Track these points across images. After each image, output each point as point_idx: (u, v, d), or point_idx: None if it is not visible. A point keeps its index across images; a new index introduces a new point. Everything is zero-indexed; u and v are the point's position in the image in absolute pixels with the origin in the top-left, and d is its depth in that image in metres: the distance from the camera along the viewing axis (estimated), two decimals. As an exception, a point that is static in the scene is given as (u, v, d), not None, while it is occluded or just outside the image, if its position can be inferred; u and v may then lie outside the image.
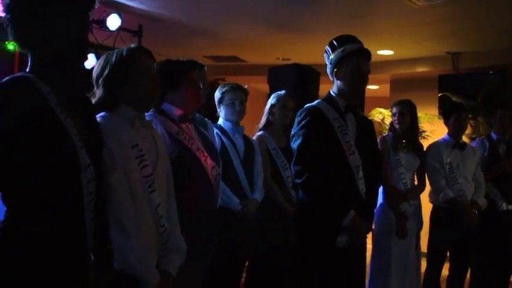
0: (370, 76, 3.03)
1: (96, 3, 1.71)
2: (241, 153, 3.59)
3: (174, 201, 2.25)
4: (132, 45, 2.21)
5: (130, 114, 2.11)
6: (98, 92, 2.11)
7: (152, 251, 2.04)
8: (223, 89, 3.64)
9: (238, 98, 3.60)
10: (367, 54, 2.95)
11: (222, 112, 3.66)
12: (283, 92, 4.03)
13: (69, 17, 1.62)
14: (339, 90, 3.01)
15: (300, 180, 2.89)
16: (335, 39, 3.00)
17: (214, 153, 2.77)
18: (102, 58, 2.16)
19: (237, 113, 3.60)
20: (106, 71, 2.11)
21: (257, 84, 7.95)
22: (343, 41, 2.97)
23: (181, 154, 2.50)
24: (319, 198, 2.89)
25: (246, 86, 3.70)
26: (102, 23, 5.78)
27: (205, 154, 2.62)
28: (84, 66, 1.81)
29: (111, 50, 2.21)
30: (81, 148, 1.60)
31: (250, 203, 3.46)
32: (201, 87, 2.74)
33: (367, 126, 3.14)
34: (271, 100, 4.00)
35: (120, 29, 5.97)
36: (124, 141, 2.03)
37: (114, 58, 2.12)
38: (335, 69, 2.98)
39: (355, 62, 2.92)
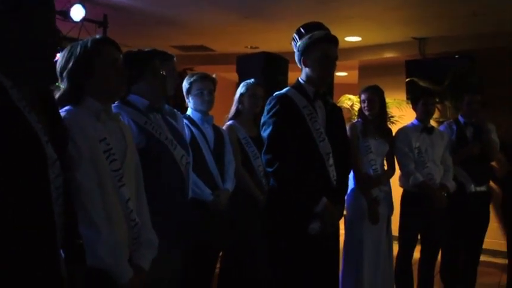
0: (338, 63, 3.03)
1: None
2: (211, 143, 3.57)
3: (144, 194, 2.23)
4: (97, 36, 2.17)
5: (95, 107, 2.07)
6: (62, 85, 2.07)
7: (124, 246, 2.01)
8: (191, 79, 3.60)
9: (207, 88, 3.57)
10: (334, 40, 2.95)
11: (190, 102, 3.63)
12: (252, 80, 4.01)
13: (30, 11, 1.57)
14: (308, 77, 3.01)
15: (271, 169, 2.88)
16: (302, 26, 2.99)
17: (183, 142, 2.75)
18: (66, 50, 2.11)
19: (206, 102, 3.57)
20: (70, 64, 2.06)
21: (226, 73, 7.92)
22: (310, 28, 2.96)
23: (150, 144, 2.48)
24: (290, 186, 2.89)
25: (214, 75, 3.67)
26: (66, 14, 5.67)
27: (174, 143, 2.60)
28: (54, 59, 1.75)
29: (75, 42, 2.15)
30: (47, 143, 1.56)
31: (221, 193, 3.45)
32: (165, 75, 2.71)
33: (337, 113, 3.15)
34: (241, 89, 3.97)
35: (84, 19, 5.89)
36: (91, 135, 1.99)
37: (78, 50, 2.08)
38: (303, 57, 2.97)
39: (322, 49, 2.92)
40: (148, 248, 2.15)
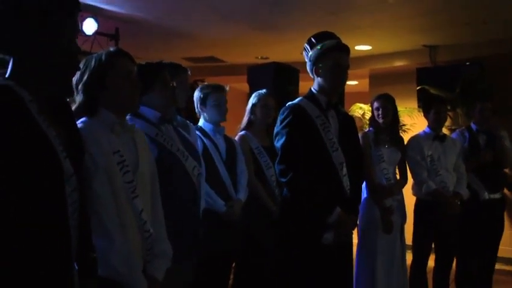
0: (349, 72, 3.03)
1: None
2: (223, 154, 3.58)
3: (159, 205, 2.23)
4: (111, 49, 2.18)
5: (110, 119, 2.08)
6: (78, 98, 2.08)
7: (137, 257, 2.01)
8: (207, 90, 3.61)
9: (223, 99, 3.59)
10: (345, 49, 2.96)
11: (205, 113, 3.63)
12: (263, 91, 4.04)
13: (59, 21, 1.57)
14: (320, 87, 3.02)
15: (285, 179, 2.89)
16: (313, 36, 3.01)
17: (195, 154, 2.76)
18: (81, 63, 2.12)
19: (223, 113, 3.60)
20: (85, 77, 2.08)
21: (237, 84, 7.94)
22: (321, 37, 2.97)
23: (161, 155, 2.48)
24: (304, 196, 2.89)
25: (227, 86, 3.68)
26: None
27: (186, 154, 2.61)
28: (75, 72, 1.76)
29: (88, 55, 2.18)
30: (65, 158, 1.55)
31: (235, 204, 3.45)
32: (175, 86, 2.72)
33: (349, 122, 3.15)
34: (252, 99, 4.00)
35: (96, 33, 5.93)
36: (105, 147, 2.00)
37: (93, 63, 2.10)
38: (315, 66, 2.99)
39: (334, 58, 2.93)
40: (163, 258, 2.16)
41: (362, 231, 4.09)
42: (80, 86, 2.09)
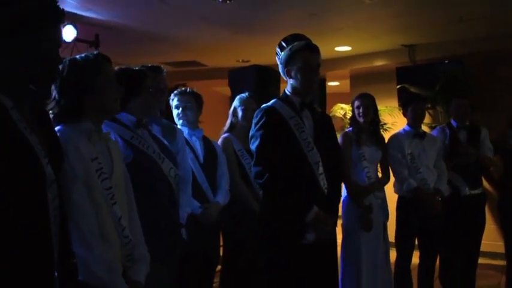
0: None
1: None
2: (200, 157, 3.60)
3: (135, 210, 2.23)
4: (93, 53, 2.16)
5: (88, 127, 2.07)
6: (58, 103, 2.06)
7: (117, 263, 2.01)
8: (174, 94, 3.67)
9: (184, 103, 3.62)
10: (314, 49, 3.01)
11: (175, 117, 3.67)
12: (245, 94, 4.09)
13: (40, 31, 1.57)
14: (292, 88, 3.05)
15: (261, 181, 2.90)
16: (283, 39, 3.06)
17: (171, 155, 2.77)
18: (61, 67, 2.08)
19: (183, 119, 3.62)
20: (65, 81, 2.06)
21: (219, 88, 7.95)
22: (290, 40, 3.02)
23: (137, 158, 2.49)
24: (281, 196, 2.90)
25: (194, 89, 3.72)
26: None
27: (162, 156, 2.62)
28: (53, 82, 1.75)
29: (72, 57, 2.14)
30: (47, 164, 1.56)
31: (211, 206, 3.46)
32: (157, 92, 2.74)
33: (326, 121, 3.17)
34: (234, 103, 4.06)
35: (76, 40, 5.90)
36: (84, 154, 1.99)
37: (77, 68, 2.08)
38: (286, 68, 3.03)
39: (303, 58, 2.96)
40: (143, 262, 2.16)
41: (345, 230, 4.11)
42: (62, 90, 2.05)
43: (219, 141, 3.96)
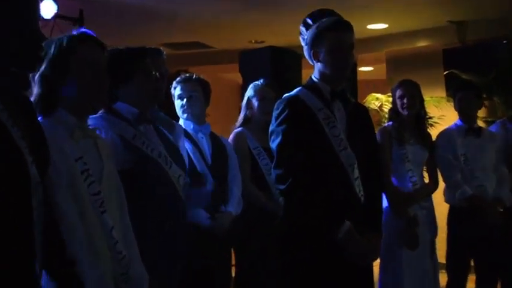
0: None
1: None
2: (208, 157, 3.59)
3: (128, 222, 2.23)
4: (75, 33, 2.19)
5: (69, 121, 2.08)
6: (34, 91, 2.07)
7: (109, 279, 2.02)
8: (177, 82, 3.66)
9: (188, 92, 3.60)
10: (347, 26, 2.97)
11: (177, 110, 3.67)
12: (261, 81, 4.07)
13: (16, 5, 1.58)
14: (321, 74, 3.02)
15: (283, 187, 2.87)
16: (308, 16, 3.03)
17: (179, 158, 2.76)
18: None
19: (187, 111, 3.61)
20: (43, 66, 2.06)
21: (228, 74, 7.97)
22: (317, 16, 2.99)
23: (140, 163, 2.49)
24: (306, 206, 2.86)
25: (201, 76, 3.72)
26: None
27: (169, 160, 2.60)
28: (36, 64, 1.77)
29: (49, 39, 2.14)
30: (31, 163, 1.56)
31: (222, 216, 3.45)
32: (158, 77, 2.72)
33: (361, 114, 3.15)
34: (248, 92, 4.04)
35: (56, 16, 5.95)
36: (67, 152, 2.00)
37: (52, 49, 2.09)
38: (312, 51, 3.00)
39: (333, 38, 2.93)
40: (141, 280, 2.17)
41: (384, 247, 4.04)
42: (36, 77, 2.07)
43: (230, 138, 3.95)
